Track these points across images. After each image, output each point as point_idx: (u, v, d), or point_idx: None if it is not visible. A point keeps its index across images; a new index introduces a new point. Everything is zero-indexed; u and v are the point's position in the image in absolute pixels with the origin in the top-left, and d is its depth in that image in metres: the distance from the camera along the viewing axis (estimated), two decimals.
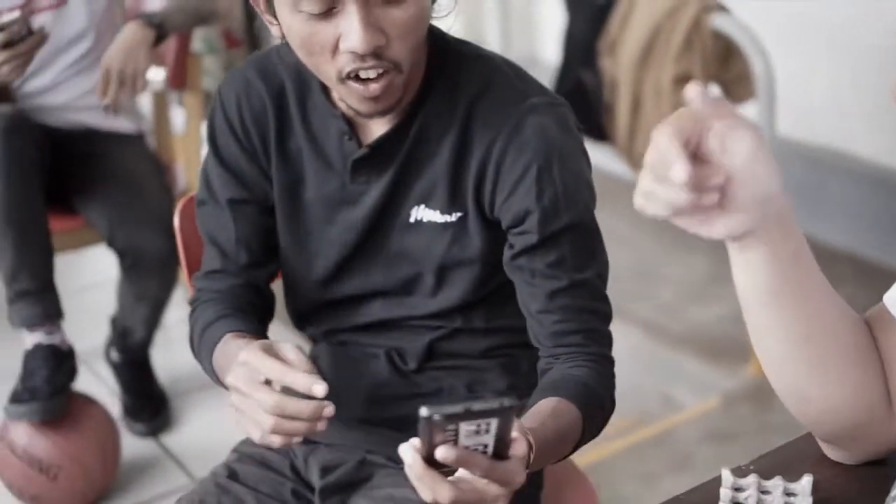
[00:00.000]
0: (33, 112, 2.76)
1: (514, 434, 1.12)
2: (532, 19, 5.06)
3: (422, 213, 1.46)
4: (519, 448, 1.12)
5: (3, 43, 2.39)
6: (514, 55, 4.82)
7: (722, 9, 3.05)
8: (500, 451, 1.12)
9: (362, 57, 1.29)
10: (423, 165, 1.45)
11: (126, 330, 2.90)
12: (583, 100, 3.35)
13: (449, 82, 1.44)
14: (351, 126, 1.45)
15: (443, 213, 1.46)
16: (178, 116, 3.34)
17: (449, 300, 1.50)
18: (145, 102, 3.26)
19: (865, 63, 3.60)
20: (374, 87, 1.32)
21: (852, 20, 3.59)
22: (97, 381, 3.11)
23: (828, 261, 1.75)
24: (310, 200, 1.51)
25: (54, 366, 2.59)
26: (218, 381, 1.47)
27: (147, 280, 2.69)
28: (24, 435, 2.57)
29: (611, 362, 1.47)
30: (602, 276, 1.47)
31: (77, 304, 2.99)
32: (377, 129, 1.45)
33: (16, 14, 2.40)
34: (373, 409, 1.59)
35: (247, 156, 1.51)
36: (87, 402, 2.69)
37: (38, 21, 2.64)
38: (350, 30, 1.27)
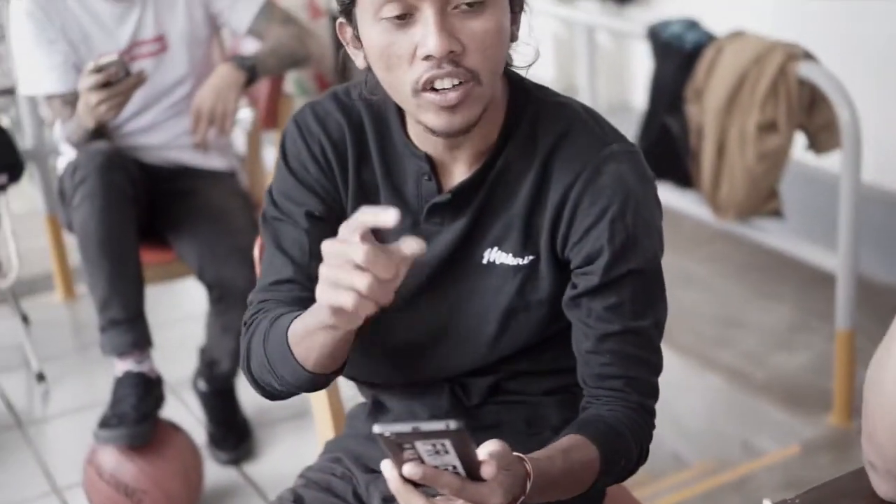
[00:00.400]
0: (131, 150, 2.87)
1: (483, 457, 1.15)
2: (623, 66, 5.10)
3: (494, 256, 1.48)
4: (488, 470, 1.15)
5: (101, 83, 2.51)
6: (604, 101, 4.90)
7: (808, 57, 3.05)
8: (472, 472, 1.15)
9: (438, 63, 1.31)
10: (500, 209, 1.46)
11: (213, 361, 2.98)
12: (668, 146, 3.37)
13: (528, 128, 1.46)
14: (432, 167, 1.47)
15: (515, 255, 1.47)
16: (269, 155, 3.44)
17: (514, 345, 1.51)
18: (239, 141, 3.36)
19: None
20: (452, 96, 1.33)
21: None
22: (184, 410, 3.20)
23: None
24: (383, 235, 1.45)
25: (142, 393, 2.67)
26: (296, 370, 1.40)
27: (233, 312, 2.76)
28: (111, 459, 2.66)
29: (650, 413, 1.47)
30: (658, 327, 1.47)
31: (168, 335, 3.08)
32: (458, 172, 1.47)
33: (113, 56, 2.52)
34: None
35: (326, 177, 1.51)
36: (173, 429, 2.77)
37: (139, 66, 2.76)
38: (426, 35, 1.31)
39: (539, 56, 1.45)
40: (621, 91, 5.13)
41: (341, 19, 1.42)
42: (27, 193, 4.73)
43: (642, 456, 1.47)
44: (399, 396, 1.62)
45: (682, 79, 3.29)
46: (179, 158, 2.96)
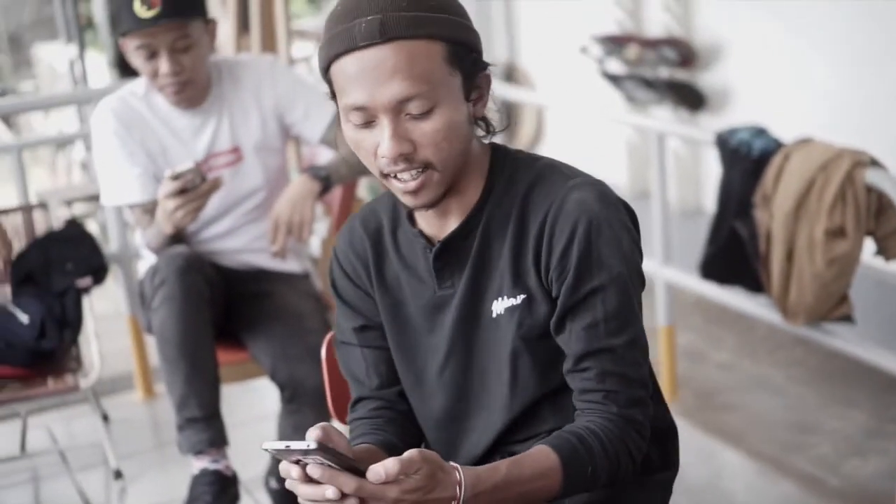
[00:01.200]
0: (208, 254, 2.97)
1: (374, 472, 1.34)
2: (695, 172, 5.14)
3: (499, 306, 1.62)
4: (374, 471, 1.34)
5: (178, 190, 2.62)
6: (676, 206, 4.92)
7: (875, 163, 3.07)
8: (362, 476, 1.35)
9: (394, 160, 1.52)
10: (494, 259, 1.62)
11: None
12: (738, 250, 3.39)
13: (506, 183, 1.63)
14: (429, 240, 1.65)
15: (509, 297, 1.61)
16: None
17: (527, 393, 1.63)
18: (314, 245, 3.45)
19: None
20: (411, 185, 1.55)
21: None
22: None
23: None
24: (412, 316, 1.69)
25: (218, 490, 2.72)
26: None
27: (305, 412, 2.81)
28: None
29: (632, 423, 1.57)
30: (634, 344, 1.58)
31: (241, 434, 3.13)
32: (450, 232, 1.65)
33: (190, 164, 2.63)
34: None
35: (360, 292, 1.73)
36: None
37: (216, 176, 2.87)
38: (382, 139, 1.52)
39: (506, 124, 1.68)
40: (694, 196, 5.16)
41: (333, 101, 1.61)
42: (111, 295, 4.87)
43: (621, 465, 1.56)
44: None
45: (751, 184, 3.32)
46: (255, 262, 3.05)
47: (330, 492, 1.35)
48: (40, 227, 3.57)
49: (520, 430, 1.66)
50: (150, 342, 3.79)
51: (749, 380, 4.10)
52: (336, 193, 3.13)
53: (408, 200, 1.58)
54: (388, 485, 1.36)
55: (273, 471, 3.08)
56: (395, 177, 1.55)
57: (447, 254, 1.65)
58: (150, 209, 2.87)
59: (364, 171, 3.01)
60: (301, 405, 2.81)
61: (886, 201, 3.04)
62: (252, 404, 3.92)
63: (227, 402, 2.85)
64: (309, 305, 2.98)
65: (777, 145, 3.30)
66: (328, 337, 1.91)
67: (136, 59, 2.84)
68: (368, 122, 1.53)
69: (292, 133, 3.04)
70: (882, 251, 3.15)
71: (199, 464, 2.77)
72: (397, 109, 1.51)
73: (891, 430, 3.59)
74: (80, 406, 3.98)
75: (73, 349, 3.47)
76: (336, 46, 1.51)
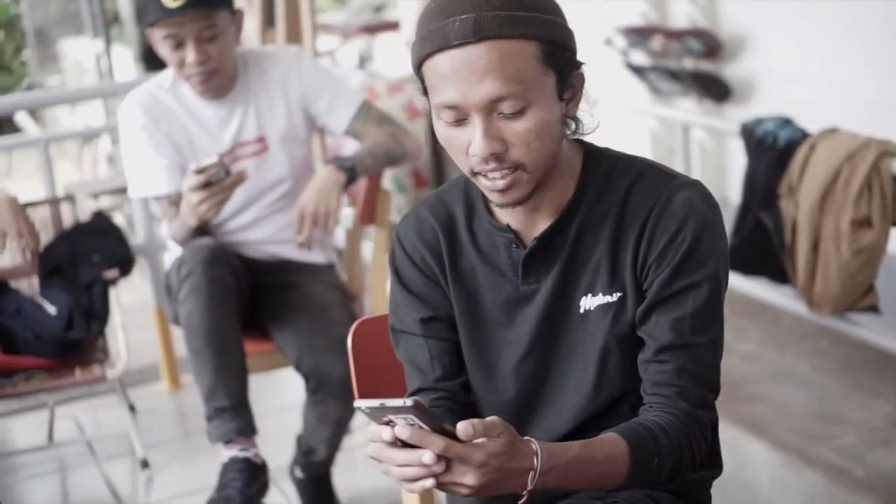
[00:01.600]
0: (234, 245, 2.99)
1: (463, 427, 1.35)
2: (720, 163, 5.12)
3: (589, 303, 1.63)
4: (462, 429, 1.34)
5: (202, 184, 2.64)
6: None
7: None
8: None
9: (485, 161, 1.53)
10: (587, 256, 1.63)
11: (309, 449, 3.04)
12: (763, 241, 3.39)
13: (602, 180, 1.63)
14: (517, 236, 1.65)
15: (604, 294, 1.62)
16: (367, 249, 3.53)
17: (611, 391, 1.64)
18: (339, 236, 3.46)
19: None
20: (500, 183, 1.55)
21: None
22: (282, 498, 3.26)
23: None
24: (488, 310, 1.69)
25: (248, 478, 2.74)
26: None
27: (330, 402, 2.83)
28: None
29: (699, 423, 1.59)
30: (714, 345, 1.60)
31: (267, 424, 3.15)
32: (540, 231, 1.65)
33: (214, 158, 2.65)
34: None
35: (429, 282, 1.71)
36: None
37: (241, 166, 2.88)
38: (474, 138, 1.53)
39: (597, 125, 1.65)
40: (718, 187, 5.15)
41: (424, 97, 1.62)
42: (137, 287, 4.90)
43: (683, 462, 1.58)
44: None
45: (776, 175, 3.31)
46: (280, 253, 3.06)
47: (427, 456, 1.34)
48: (67, 220, 3.60)
49: (591, 428, 1.66)
50: (177, 333, 3.80)
51: (774, 370, 4.09)
52: (361, 185, 3.13)
53: (496, 198, 1.59)
54: (474, 448, 1.36)
55: (298, 460, 3.10)
56: (485, 175, 1.56)
57: (538, 250, 1.65)
58: (175, 201, 2.89)
59: (389, 162, 3.06)
60: (326, 395, 2.82)
61: None
62: (277, 395, 3.93)
63: (253, 393, 2.86)
64: (334, 296, 2.99)
65: (803, 136, 3.29)
66: (353, 327, 1.92)
67: (163, 50, 2.85)
68: (460, 121, 1.54)
69: (317, 124, 3.05)
70: None
71: (229, 452, 2.78)
72: (489, 109, 1.51)
73: None
74: (107, 397, 4.01)
75: (100, 340, 3.50)
76: (429, 44, 1.52)
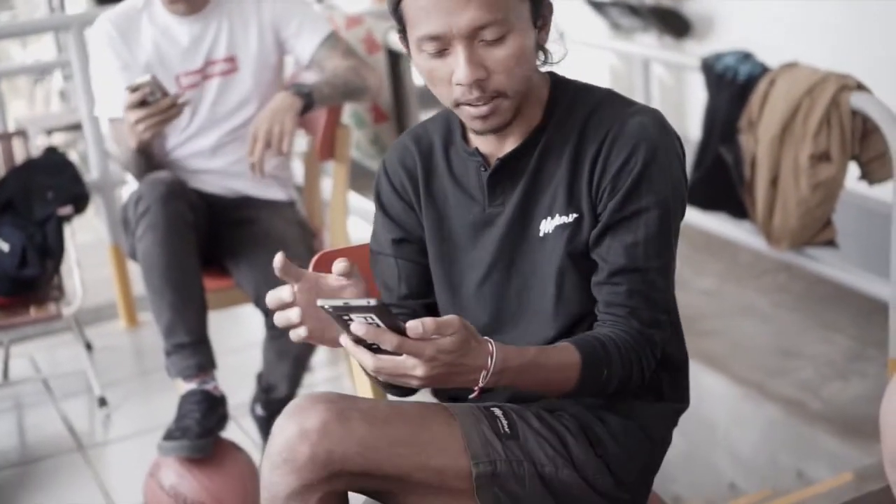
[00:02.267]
0: (191, 178, 2.95)
1: (413, 325, 1.41)
2: (679, 99, 5.11)
3: (548, 226, 1.67)
4: (412, 326, 1.41)
5: (137, 103, 2.60)
6: None
7: (861, 87, 3.05)
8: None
9: (469, 88, 1.57)
10: (548, 180, 1.67)
11: (270, 386, 3.03)
12: (722, 176, 3.38)
13: (566, 108, 1.68)
14: (486, 159, 1.70)
15: (561, 216, 1.66)
16: (326, 185, 3.50)
17: (570, 312, 1.67)
18: (298, 171, 3.42)
19: None
20: (483, 109, 1.60)
21: None
22: (242, 435, 3.26)
23: None
24: (455, 231, 1.74)
25: (206, 409, 2.74)
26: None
27: (288, 338, 2.80)
28: (172, 474, 2.73)
29: (649, 341, 1.64)
30: (664, 270, 1.65)
31: (227, 362, 3.13)
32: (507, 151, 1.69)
33: (147, 77, 2.62)
34: None
35: (404, 205, 1.78)
36: (234, 448, 2.83)
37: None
38: (457, 66, 1.57)
39: (566, 53, 1.70)
40: (678, 123, 5.10)
41: (400, 37, 1.66)
42: (92, 224, 4.84)
43: (632, 376, 1.63)
44: None
45: (736, 110, 3.30)
46: (239, 188, 3.02)
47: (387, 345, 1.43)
48: (20, 156, 3.55)
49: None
50: (134, 270, 3.79)
51: (733, 305, 4.12)
52: (320, 118, 3.10)
53: (478, 126, 1.63)
54: (425, 342, 1.43)
55: (259, 398, 3.09)
56: (469, 104, 1.60)
57: (502, 173, 1.69)
58: None
59: (348, 95, 3.02)
60: (285, 331, 2.79)
61: (871, 125, 3.03)
62: (236, 332, 3.92)
63: (212, 330, 2.85)
64: (294, 232, 2.97)
65: (763, 70, 3.28)
66: (313, 260, 1.90)
67: None
68: (442, 51, 1.58)
69: (286, 49, 3.01)
70: (866, 175, 3.14)
71: (188, 386, 2.78)
72: (472, 36, 1.55)
73: (872, 354, 3.62)
74: (63, 335, 3.98)
75: (55, 278, 3.46)
76: None
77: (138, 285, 2.91)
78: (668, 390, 1.76)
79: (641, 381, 1.66)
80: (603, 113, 1.66)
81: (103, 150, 4.03)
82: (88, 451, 3.40)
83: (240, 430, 3.28)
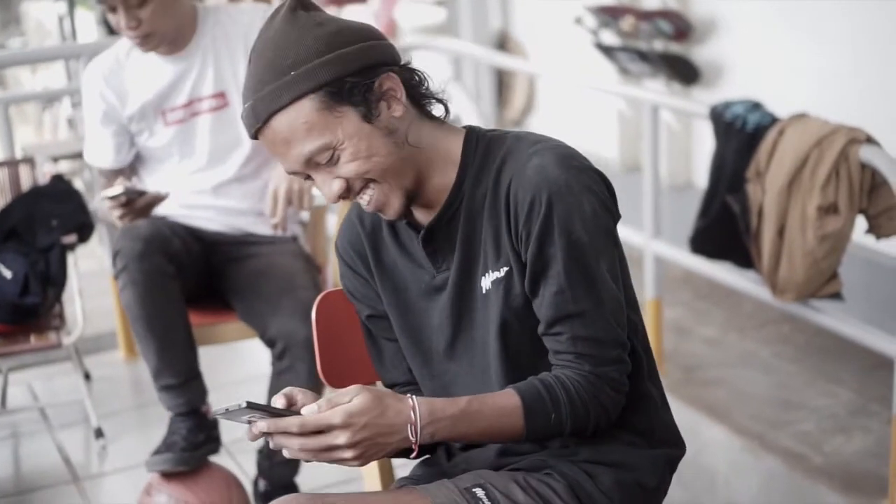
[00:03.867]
0: (191, 214, 2.96)
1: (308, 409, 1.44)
2: (687, 146, 5.12)
3: (487, 282, 1.65)
4: (307, 408, 1.44)
5: (121, 205, 2.75)
6: (668, 180, 4.90)
7: (870, 140, 3.05)
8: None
9: (335, 201, 1.62)
10: (478, 238, 1.65)
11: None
12: (729, 225, 3.37)
13: (480, 162, 1.65)
14: (419, 227, 1.69)
15: (493, 271, 1.64)
16: (332, 222, 3.49)
17: (519, 363, 1.65)
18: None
19: None
20: (371, 207, 1.63)
21: None
22: (239, 471, 3.22)
23: None
24: (413, 300, 1.73)
25: (193, 426, 2.78)
26: None
27: (298, 368, 2.78)
28: (163, 496, 2.76)
29: (605, 380, 1.60)
30: (602, 305, 1.59)
31: (227, 396, 3.10)
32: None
33: (119, 188, 2.73)
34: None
35: (363, 280, 1.78)
36: (226, 474, 2.85)
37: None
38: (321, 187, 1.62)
39: (448, 111, 1.69)
40: (685, 170, 5.14)
41: None
42: (96, 253, 4.83)
43: (590, 416, 1.60)
44: None
45: (744, 159, 3.30)
46: (243, 226, 3.02)
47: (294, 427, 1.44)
48: (26, 183, 3.54)
49: None
50: None
51: (735, 355, 4.10)
52: None
53: (381, 216, 1.66)
54: (332, 412, 1.43)
55: (261, 466, 3.01)
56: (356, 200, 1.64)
57: (436, 238, 1.68)
58: (111, 178, 2.99)
59: None
60: (293, 360, 2.77)
61: (880, 179, 3.02)
62: (239, 366, 3.90)
63: (213, 364, 2.85)
64: (299, 265, 2.95)
65: (772, 120, 3.28)
66: (318, 298, 1.89)
67: (106, 15, 2.89)
68: (308, 176, 1.62)
69: None
70: (873, 229, 3.13)
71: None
72: (311, 164, 1.58)
73: (875, 409, 3.59)
74: (63, 364, 3.96)
75: (56, 306, 3.45)
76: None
77: None
78: (660, 431, 1.72)
79: (607, 419, 1.63)
80: (509, 160, 1.62)
81: None
82: (83, 482, 3.37)
83: (238, 467, 3.25)
